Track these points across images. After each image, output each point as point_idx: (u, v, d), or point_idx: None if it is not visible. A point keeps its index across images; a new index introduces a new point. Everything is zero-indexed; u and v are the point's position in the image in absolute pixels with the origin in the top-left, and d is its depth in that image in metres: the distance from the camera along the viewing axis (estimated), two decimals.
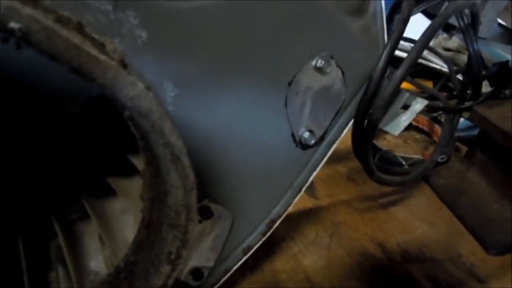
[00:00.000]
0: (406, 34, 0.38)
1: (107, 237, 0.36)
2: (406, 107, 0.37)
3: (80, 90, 0.29)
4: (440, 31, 0.88)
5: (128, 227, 0.37)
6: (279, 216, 0.36)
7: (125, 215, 0.38)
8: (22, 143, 0.36)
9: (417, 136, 0.74)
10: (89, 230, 0.39)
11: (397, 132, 0.36)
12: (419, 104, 0.36)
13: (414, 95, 0.36)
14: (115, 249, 0.35)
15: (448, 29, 0.89)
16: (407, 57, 0.35)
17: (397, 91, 0.35)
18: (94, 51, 0.19)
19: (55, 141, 0.36)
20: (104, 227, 0.37)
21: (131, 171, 0.36)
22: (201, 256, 0.32)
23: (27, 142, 0.36)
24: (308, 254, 0.48)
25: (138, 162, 0.35)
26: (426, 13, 0.91)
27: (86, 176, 0.40)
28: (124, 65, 0.23)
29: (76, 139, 0.37)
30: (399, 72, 0.34)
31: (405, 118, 0.36)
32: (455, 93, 0.72)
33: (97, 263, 0.37)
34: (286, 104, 0.31)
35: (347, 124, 0.36)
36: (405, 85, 0.72)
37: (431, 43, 0.86)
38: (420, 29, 0.50)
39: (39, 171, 0.38)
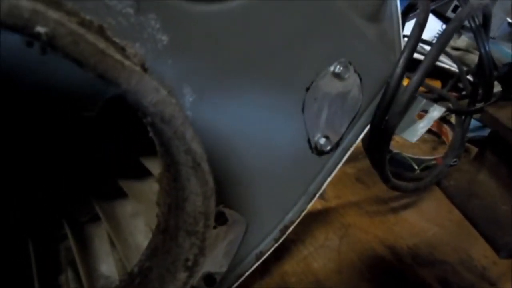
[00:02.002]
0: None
1: (118, 240, 0.36)
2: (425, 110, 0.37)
3: (98, 95, 0.28)
4: None
5: (139, 230, 0.37)
6: (292, 222, 0.36)
7: (136, 218, 0.37)
8: (33, 145, 0.35)
9: (426, 136, 0.74)
10: (99, 232, 0.39)
11: (414, 139, 0.36)
12: (436, 111, 0.35)
13: (431, 101, 0.36)
14: (126, 253, 0.35)
15: None
16: (422, 63, 0.34)
17: (413, 98, 0.35)
18: (118, 56, 0.18)
19: (66, 143, 0.36)
20: (115, 230, 0.36)
21: (143, 174, 0.36)
22: (214, 261, 0.32)
23: (38, 144, 0.35)
24: (318, 257, 0.47)
25: (151, 165, 0.34)
26: (433, 11, 0.90)
27: (96, 178, 0.39)
28: (144, 69, 0.22)
29: (88, 141, 0.36)
30: (415, 78, 0.33)
31: (423, 125, 0.36)
32: (464, 93, 0.71)
33: (108, 266, 0.37)
34: (303, 109, 0.31)
35: (362, 131, 0.36)
36: None
37: None
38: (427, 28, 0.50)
39: (49, 173, 0.38)
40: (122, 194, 0.38)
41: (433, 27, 0.87)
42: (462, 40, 0.84)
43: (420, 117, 0.37)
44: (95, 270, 0.37)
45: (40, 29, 0.16)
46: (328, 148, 0.33)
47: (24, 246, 0.37)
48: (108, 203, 0.39)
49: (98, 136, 0.37)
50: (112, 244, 0.37)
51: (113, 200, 0.39)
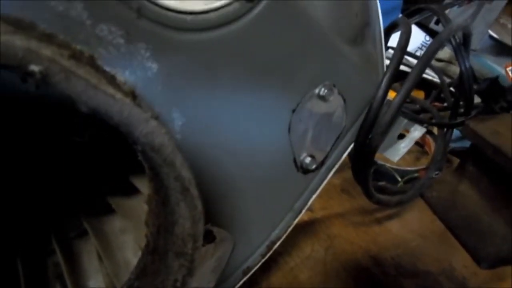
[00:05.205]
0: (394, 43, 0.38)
1: (106, 256, 0.36)
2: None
3: (88, 120, 0.29)
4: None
5: (127, 247, 0.37)
6: (279, 238, 0.36)
7: (125, 235, 0.38)
8: (22, 162, 0.35)
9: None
10: (88, 248, 0.39)
11: (396, 158, 0.37)
12: (417, 132, 0.37)
13: (412, 120, 0.37)
14: (114, 269, 0.35)
15: None
16: (404, 84, 0.35)
17: (395, 118, 0.36)
18: (110, 90, 0.19)
19: (55, 160, 0.36)
20: (103, 245, 0.37)
21: (131, 190, 0.37)
22: (202, 278, 0.32)
23: (27, 160, 0.35)
24: (304, 269, 0.48)
25: (140, 184, 0.35)
26: (416, 23, 0.92)
27: (85, 194, 0.40)
28: (134, 97, 0.23)
29: (77, 158, 0.37)
30: (397, 100, 0.34)
31: (404, 145, 0.37)
32: (445, 104, 0.73)
33: (96, 282, 0.37)
34: (289, 130, 0.31)
35: (346, 149, 0.37)
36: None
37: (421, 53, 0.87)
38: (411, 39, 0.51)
39: (38, 189, 0.38)
40: (110, 210, 0.38)
41: (417, 38, 0.89)
42: (445, 52, 0.85)
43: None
44: (84, 286, 0.37)
45: (33, 67, 0.17)
46: (314, 166, 0.34)
47: (13, 261, 0.38)
48: (96, 219, 0.39)
49: (87, 153, 0.37)
50: (100, 259, 0.38)
51: (101, 216, 0.39)
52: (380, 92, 0.33)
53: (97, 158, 0.38)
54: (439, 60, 0.86)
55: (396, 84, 0.69)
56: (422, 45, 0.89)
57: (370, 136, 0.35)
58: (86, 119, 0.30)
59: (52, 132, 0.30)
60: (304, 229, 0.53)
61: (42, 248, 0.40)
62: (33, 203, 0.39)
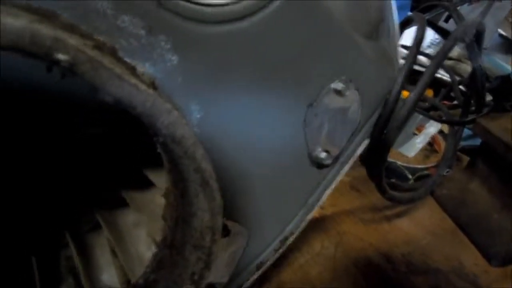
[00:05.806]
0: (406, 41, 0.38)
1: (119, 249, 0.36)
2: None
3: (103, 111, 0.29)
4: (441, 40, 0.88)
5: (141, 240, 0.37)
6: (292, 233, 0.36)
7: (138, 229, 0.38)
8: (35, 154, 0.35)
9: None
10: (100, 242, 0.39)
11: (411, 154, 0.37)
12: (432, 127, 0.36)
13: (427, 117, 0.37)
14: (128, 262, 0.35)
15: None
16: (419, 81, 0.35)
17: (411, 114, 0.36)
18: (133, 80, 0.19)
19: (69, 153, 0.36)
20: (117, 239, 0.37)
21: (145, 184, 0.37)
22: (216, 272, 0.32)
23: (40, 153, 0.36)
24: (315, 265, 0.48)
25: (154, 177, 0.35)
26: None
27: (98, 188, 0.40)
28: (154, 88, 0.23)
29: (90, 151, 0.37)
30: (412, 96, 0.34)
31: (419, 141, 0.37)
32: (455, 102, 0.73)
33: (109, 276, 0.37)
34: (304, 125, 0.31)
35: (361, 144, 0.37)
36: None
37: (432, 51, 0.87)
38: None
39: (51, 182, 0.38)
40: (123, 204, 0.38)
41: (426, 36, 0.88)
42: (454, 50, 0.85)
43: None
44: (97, 279, 0.37)
45: (61, 56, 0.17)
46: (328, 161, 0.34)
47: (26, 256, 0.38)
48: (109, 213, 0.39)
49: (101, 146, 0.37)
50: (113, 253, 0.38)
51: (114, 210, 0.39)
52: (396, 87, 0.33)
53: (110, 151, 0.38)
54: (449, 58, 0.86)
55: None
56: (431, 43, 0.89)
57: (385, 131, 0.35)
58: (98, 113, 0.30)
59: (66, 126, 0.30)
60: (314, 226, 0.53)
61: (55, 241, 0.40)
62: (47, 197, 0.39)
